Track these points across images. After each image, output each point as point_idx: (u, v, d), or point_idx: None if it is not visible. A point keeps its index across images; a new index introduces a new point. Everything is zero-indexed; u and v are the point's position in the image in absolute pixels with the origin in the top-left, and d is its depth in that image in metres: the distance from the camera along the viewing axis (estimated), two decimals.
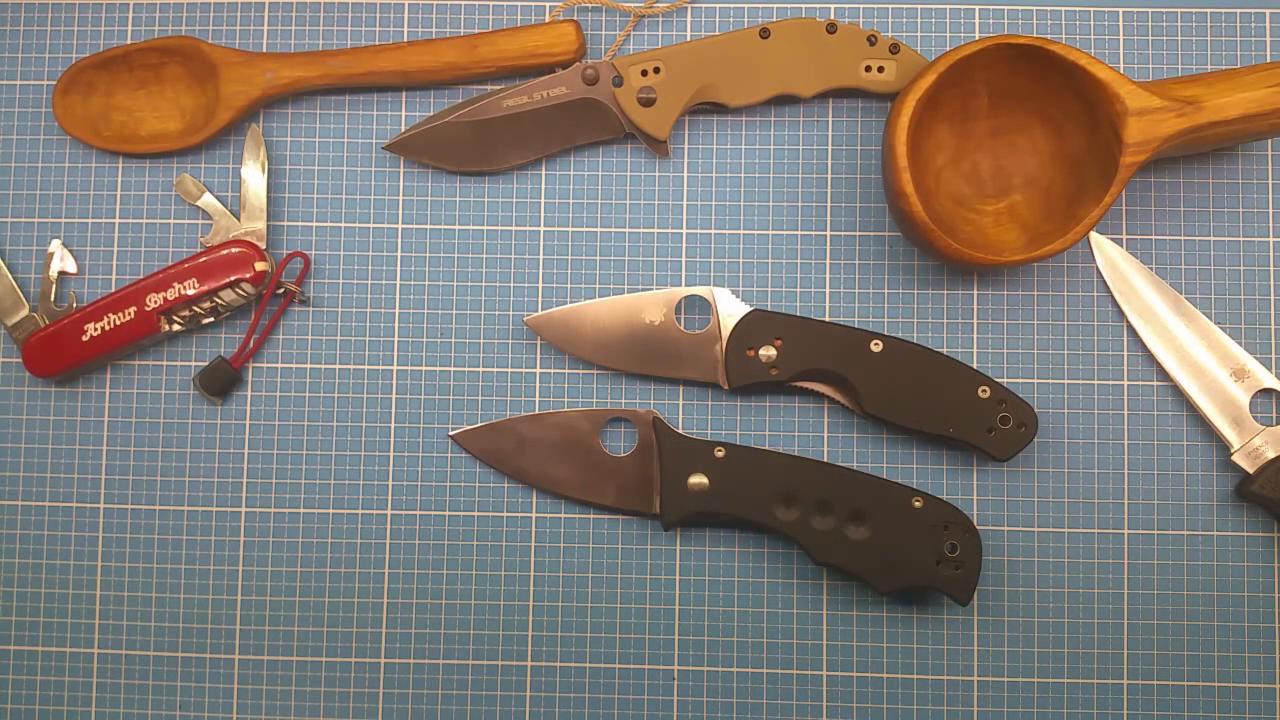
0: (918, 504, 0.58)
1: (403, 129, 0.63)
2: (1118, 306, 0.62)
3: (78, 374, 0.62)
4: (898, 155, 0.57)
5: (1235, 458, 0.60)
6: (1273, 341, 0.62)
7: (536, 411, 0.62)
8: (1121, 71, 0.60)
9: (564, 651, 0.61)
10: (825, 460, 0.61)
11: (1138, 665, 0.60)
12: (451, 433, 0.62)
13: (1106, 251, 0.62)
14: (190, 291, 0.61)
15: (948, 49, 0.61)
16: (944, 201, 0.60)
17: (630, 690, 0.61)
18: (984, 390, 0.59)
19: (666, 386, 0.62)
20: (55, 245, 0.63)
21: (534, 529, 0.62)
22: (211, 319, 0.62)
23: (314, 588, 0.62)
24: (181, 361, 0.63)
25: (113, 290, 0.62)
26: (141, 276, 0.62)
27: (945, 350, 0.62)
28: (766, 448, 0.60)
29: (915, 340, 0.62)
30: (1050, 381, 0.62)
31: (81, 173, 0.64)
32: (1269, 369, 0.61)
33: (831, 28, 0.61)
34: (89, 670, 0.62)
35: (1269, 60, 0.62)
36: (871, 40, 0.61)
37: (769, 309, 0.62)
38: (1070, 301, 0.62)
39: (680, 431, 0.61)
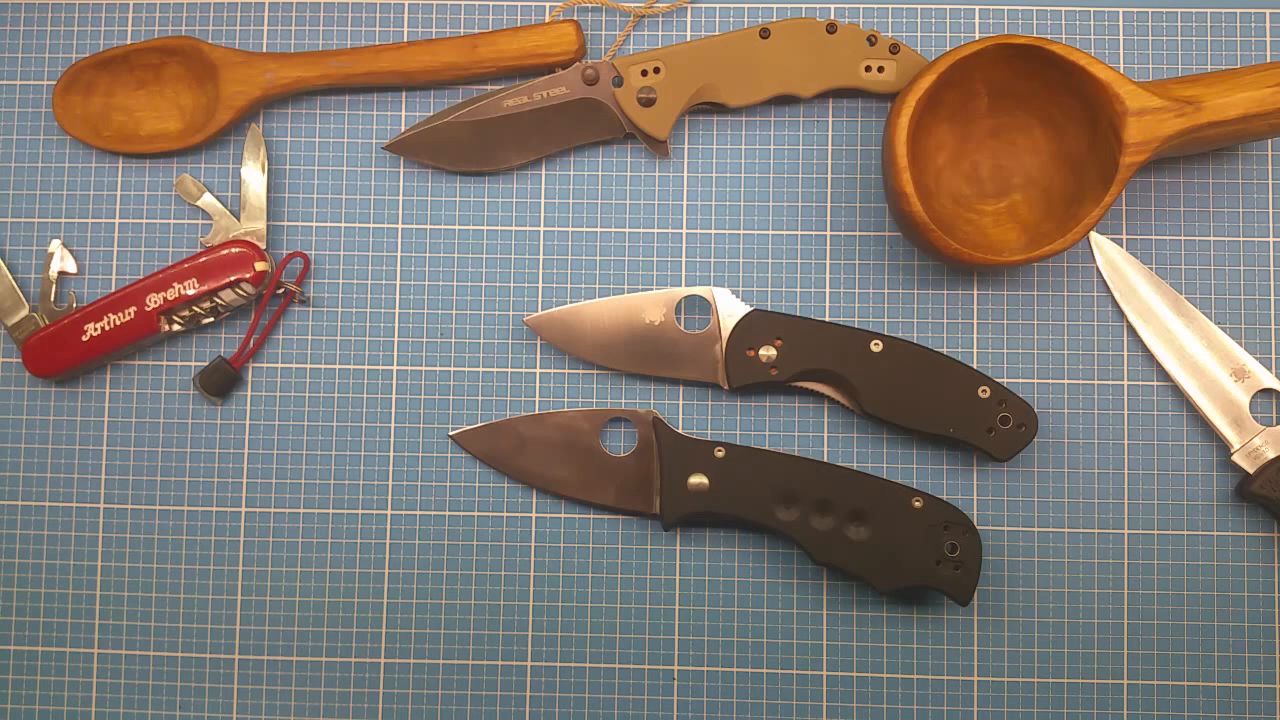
0: (918, 504, 0.58)
1: (403, 129, 0.63)
2: (1118, 306, 0.62)
3: (78, 374, 0.62)
4: (898, 155, 0.57)
5: (1235, 458, 0.60)
6: (1273, 341, 0.62)
7: (536, 411, 0.62)
8: (1121, 71, 0.60)
9: (564, 651, 0.61)
10: (825, 460, 0.61)
11: (1138, 665, 0.60)
12: (451, 433, 0.62)
13: (1106, 251, 0.62)
14: (190, 291, 0.61)
15: (948, 49, 0.61)
16: (944, 201, 0.60)
17: (630, 690, 0.61)
18: (984, 390, 0.59)
19: (666, 386, 0.62)
20: (55, 245, 0.63)
21: (534, 529, 0.62)
22: (211, 319, 0.62)
23: (314, 588, 0.62)
24: (181, 361, 0.63)
25: (113, 290, 0.62)
26: (141, 276, 0.62)
27: (945, 350, 0.62)
28: (766, 448, 0.60)
29: (915, 340, 0.62)
30: (1050, 381, 0.62)
31: (81, 173, 0.64)
32: (1269, 369, 0.61)
33: (831, 28, 0.61)
34: (89, 670, 0.62)
35: (1269, 60, 0.62)
36: (871, 40, 0.61)
37: (769, 309, 0.62)
38: (1070, 301, 0.62)
39: (680, 431, 0.61)
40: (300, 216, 0.63)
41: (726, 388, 0.61)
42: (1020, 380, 0.62)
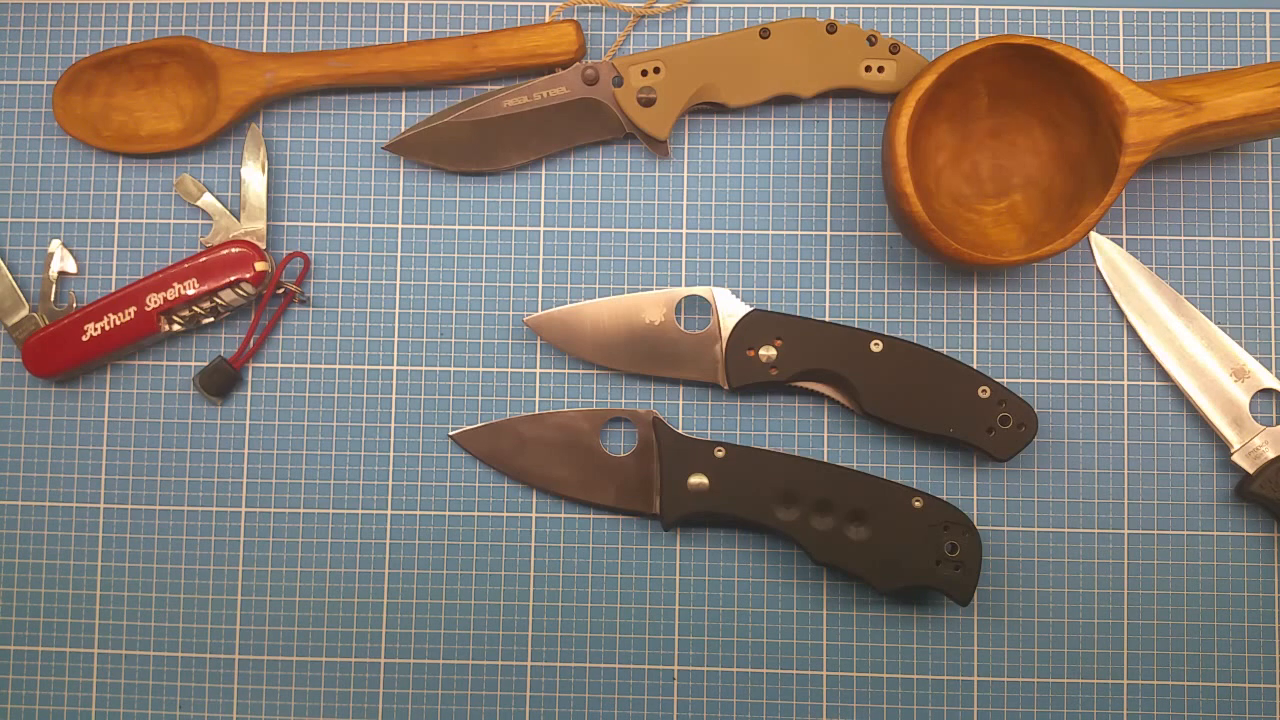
0: (918, 504, 0.58)
1: (403, 129, 0.63)
2: (1118, 306, 0.62)
3: (78, 374, 0.62)
4: (898, 155, 0.57)
5: (1235, 458, 0.60)
6: (1273, 341, 0.62)
7: (536, 411, 0.62)
8: (1121, 71, 0.60)
9: (564, 651, 0.61)
10: (825, 460, 0.61)
11: (1138, 665, 0.60)
12: (451, 433, 0.62)
13: (1106, 251, 0.62)
14: (190, 291, 0.61)
15: (948, 49, 0.61)
16: (944, 201, 0.60)
17: (630, 690, 0.61)
18: (984, 390, 0.59)
19: (666, 386, 0.62)
20: (55, 245, 0.63)
21: (534, 529, 0.62)
22: (211, 319, 0.62)
23: (314, 588, 0.62)
24: (181, 361, 0.63)
25: (113, 290, 0.62)
26: (141, 276, 0.62)
27: (945, 350, 0.62)
28: (766, 448, 0.60)
29: (915, 340, 0.62)
30: (1050, 381, 0.62)
31: (81, 173, 0.64)
32: (1269, 369, 0.61)
33: (831, 28, 0.61)
34: (89, 670, 0.62)
35: (1269, 60, 0.62)
36: (871, 40, 0.61)
37: (769, 309, 0.62)
38: (1070, 301, 0.62)
39: (680, 431, 0.61)
40: (300, 216, 0.63)
41: (726, 388, 0.61)
42: (1020, 380, 0.62)
